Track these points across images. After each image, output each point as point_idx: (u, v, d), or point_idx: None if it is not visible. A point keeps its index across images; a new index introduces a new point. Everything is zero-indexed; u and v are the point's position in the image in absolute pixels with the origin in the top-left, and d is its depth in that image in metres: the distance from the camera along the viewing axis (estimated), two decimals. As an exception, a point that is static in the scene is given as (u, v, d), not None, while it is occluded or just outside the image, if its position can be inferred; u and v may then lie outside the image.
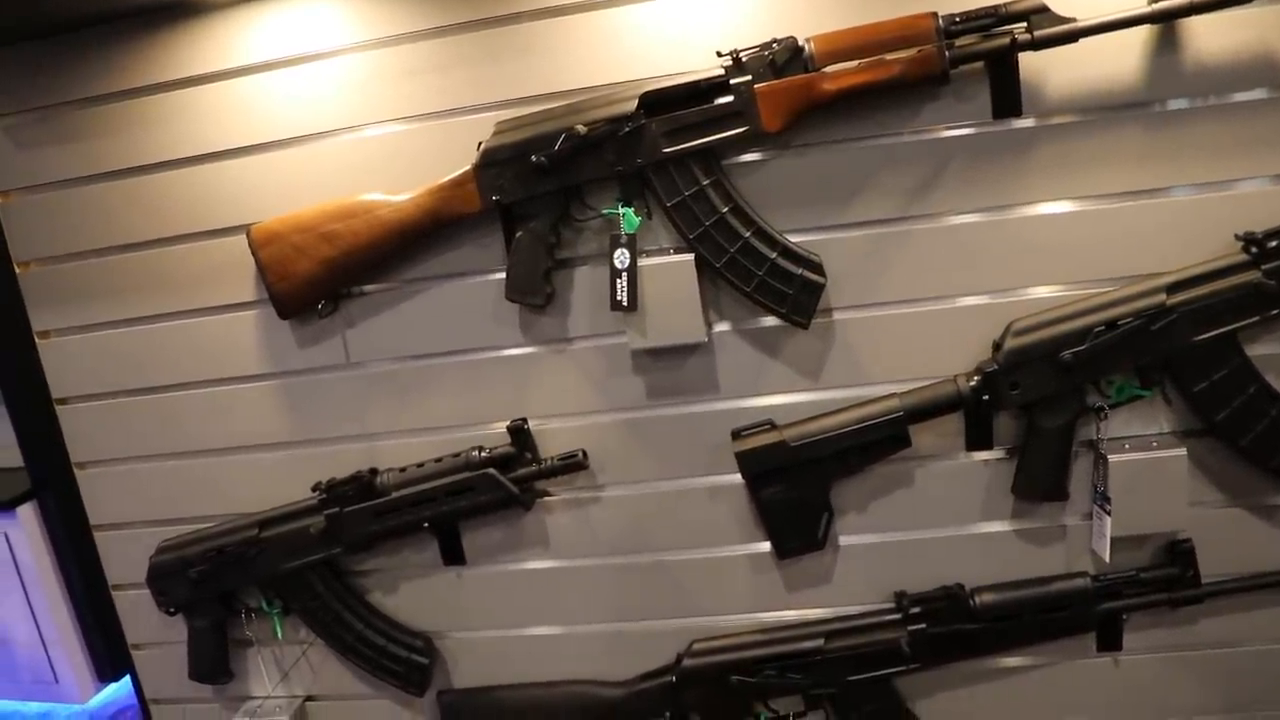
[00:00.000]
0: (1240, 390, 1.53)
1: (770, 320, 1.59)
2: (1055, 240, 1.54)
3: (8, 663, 4.41)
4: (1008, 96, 1.51)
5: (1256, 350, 1.54)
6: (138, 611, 1.97)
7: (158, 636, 1.99)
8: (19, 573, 4.22)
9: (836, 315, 1.61)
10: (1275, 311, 1.50)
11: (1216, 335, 1.52)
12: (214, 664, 1.91)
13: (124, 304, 1.82)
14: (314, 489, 1.77)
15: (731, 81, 1.49)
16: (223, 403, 1.83)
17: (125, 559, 1.94)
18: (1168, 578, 1.64)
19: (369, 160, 1.67)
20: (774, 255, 1.53)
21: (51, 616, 4.25)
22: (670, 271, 1.55)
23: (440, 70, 1.61)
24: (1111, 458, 1.56)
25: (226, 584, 1.85)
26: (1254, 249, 1.49)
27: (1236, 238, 1.50)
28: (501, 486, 1.67)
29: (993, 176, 1.54)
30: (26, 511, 4.00)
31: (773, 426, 1.61)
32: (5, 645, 4.44)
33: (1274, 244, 1.49)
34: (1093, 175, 1.52)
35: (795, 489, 1.62)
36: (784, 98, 1.48)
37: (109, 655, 2.15)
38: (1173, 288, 1.51)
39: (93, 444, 1.91)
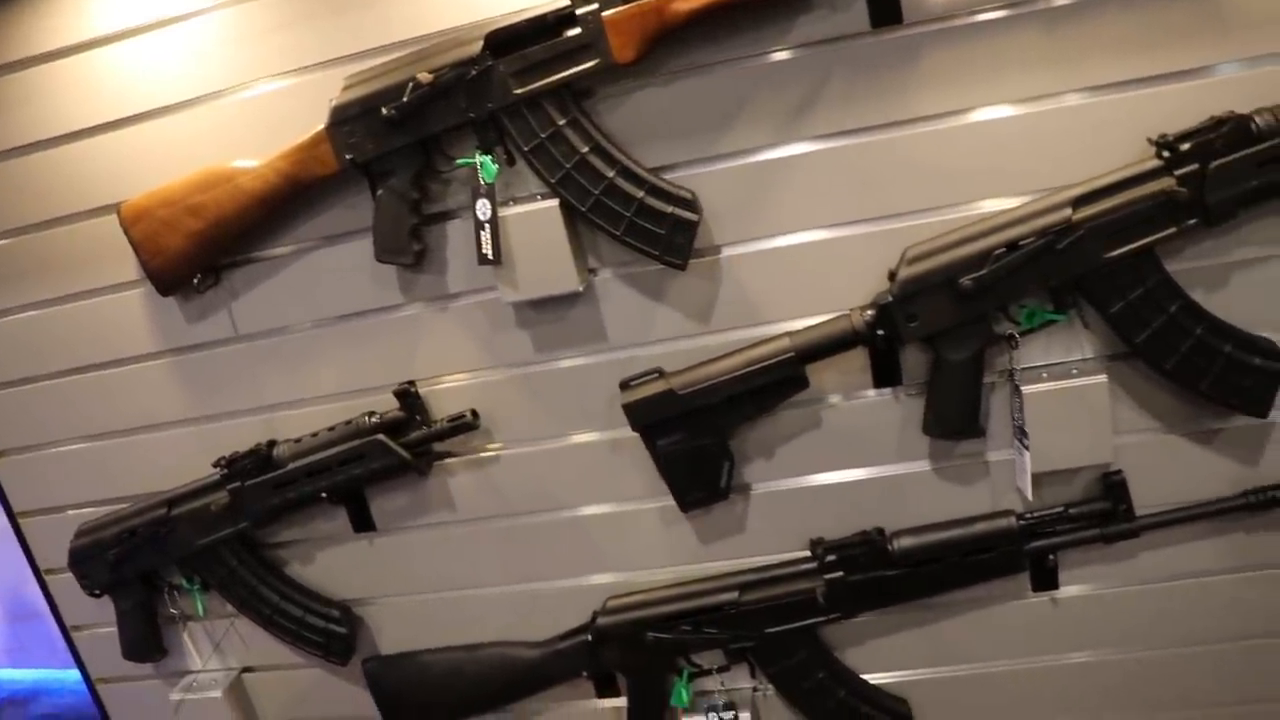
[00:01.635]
0: (1161, 310, 1.45)
1: (653, 263, 1.51)
2: (951, 158, 1.47)
3: (41, 635, 4.57)
4: (885, 2, 1.40)
5: (1180, 265, 1.45)
6: (71, 595, 1.98)
7: (94, 618, 2.00)
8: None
9: (724, 253, 1.55)
10: (1193, 221, 1.39)
11: (1130, 251, 1.42)
12: (145, 642, 1.94)
13: (10, 291, 1.83)
14: (215, 465, 1.75)
15: (578, 12, 1.42)
16: (121, 383, 1.84)
17: (51, 544, 1.96)
18: (1100, 512, 1.58)
19: (235, 126, 1.66)
20: (641, 194, 1.47)
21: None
22: (535, 220, 1.50)
23: (288, 27, 1.56)
24: (1026, 389, 1.49)
25: (144, 564, 1.87)
26: (1166, 153, 1.38)
27: (1150, 142, 1.40)
28: (392, 453, 1.65)
29: (877, 92, 1.46)
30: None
31: (661, 375, 1.56)
32: (41, 619, 4.58)
33: (1187, 146, 1.37)
34: (986, 84, 1.44)
35: (692, 438, 1.58)
36: (635, 24, 1.41)
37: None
38: (1079, 201, 1.42)
39: (4, 432, 1.91)
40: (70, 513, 1.96)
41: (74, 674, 4.55)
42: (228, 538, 1.82)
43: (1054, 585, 1.66)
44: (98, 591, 1.93)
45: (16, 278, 1.82)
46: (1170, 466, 1.57)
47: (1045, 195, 1.44)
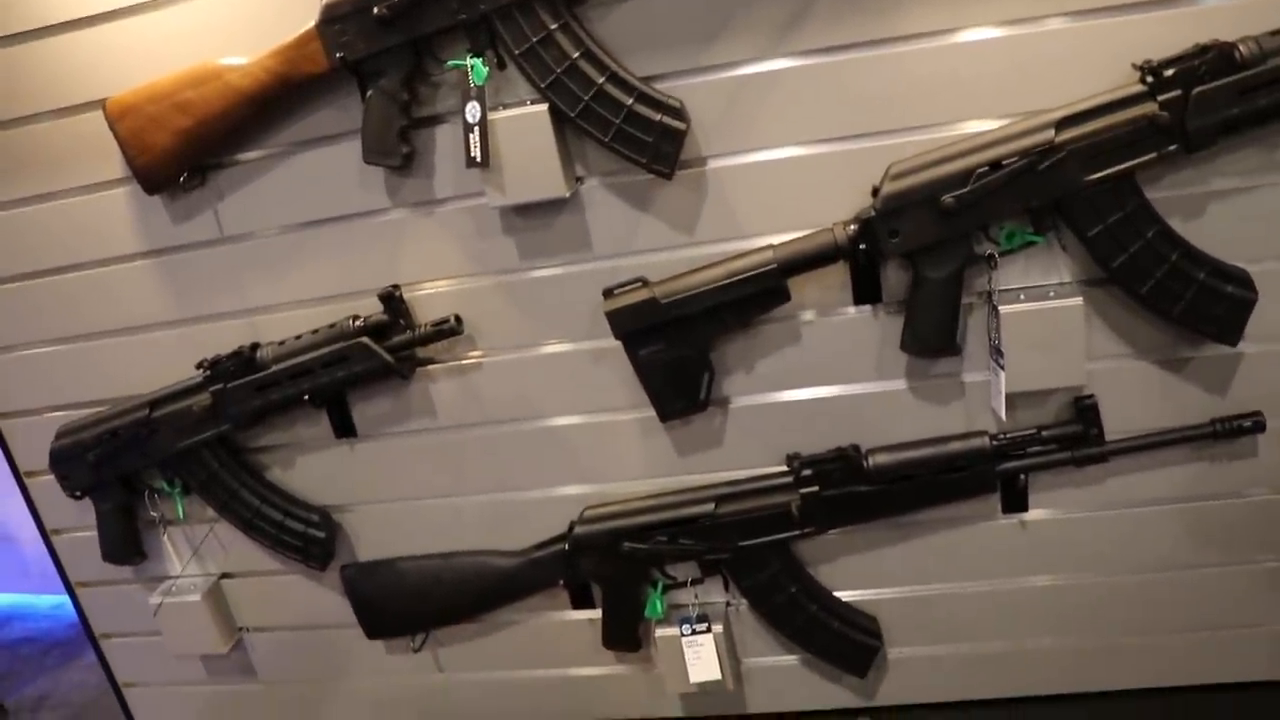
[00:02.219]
0: (1138, 234, 1.48)
1: (640, 173, 1.54)
2: (936, 77, 1.49)
3: (17, 560, 4.63)
4: (877, -81, 1.43)
5: (1159, 193, 1.49)
6: (51, 497, 2.01)
7: (74, 522, 2.03)
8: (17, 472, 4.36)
9: (710, 165, 1.57)
10: (1173, 147, 1.43)
11: (1110, 174, 1.46)
12: (124, 545, 1.97)
13: (-6, 188, 1.80)
14: (198, 366, 1.77)
15: (568, -88, 1.43)
16: (104, 284, 1.86)
17: (31, 445, 1.98)
18: (1071, 435, 1.63)
19: (225, 22, 1.66)
20: (630, 101, 1.49)
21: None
22: (524, 123, 1.52)
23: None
24: (1003, 309, 1.53)
25: (125, 465, 1.90)
26: (1150, 79, 1.41)
27: (1134, 67, 1.43)
28: (375, 356, 1.68)
29: (864, 9, 1.49)
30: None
31: (644, 284, 1.60)
32: (12, 543, 4.64)
33: (1170, 73, 1.41)
34: (973, 4, 1.46)
35: (673, 348, 1.61)
36: (629, -71, 1.42)
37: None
38: (1062, 124, 1.45)
39: (-14, 330, 1.93)
40: (51, 415, 1.97)
41: (47, 598, 4.62)
42: (209, 440, 1.85)
43: (1023, 508, 1.71)
44: (78, 493, 1.96)
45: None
46: (1141, 393, 1.62)
47: (1029, 117, 1.46)
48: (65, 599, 4.54)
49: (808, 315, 1.65)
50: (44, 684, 4.16)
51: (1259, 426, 1.58)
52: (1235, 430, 1.59)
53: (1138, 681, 1.81)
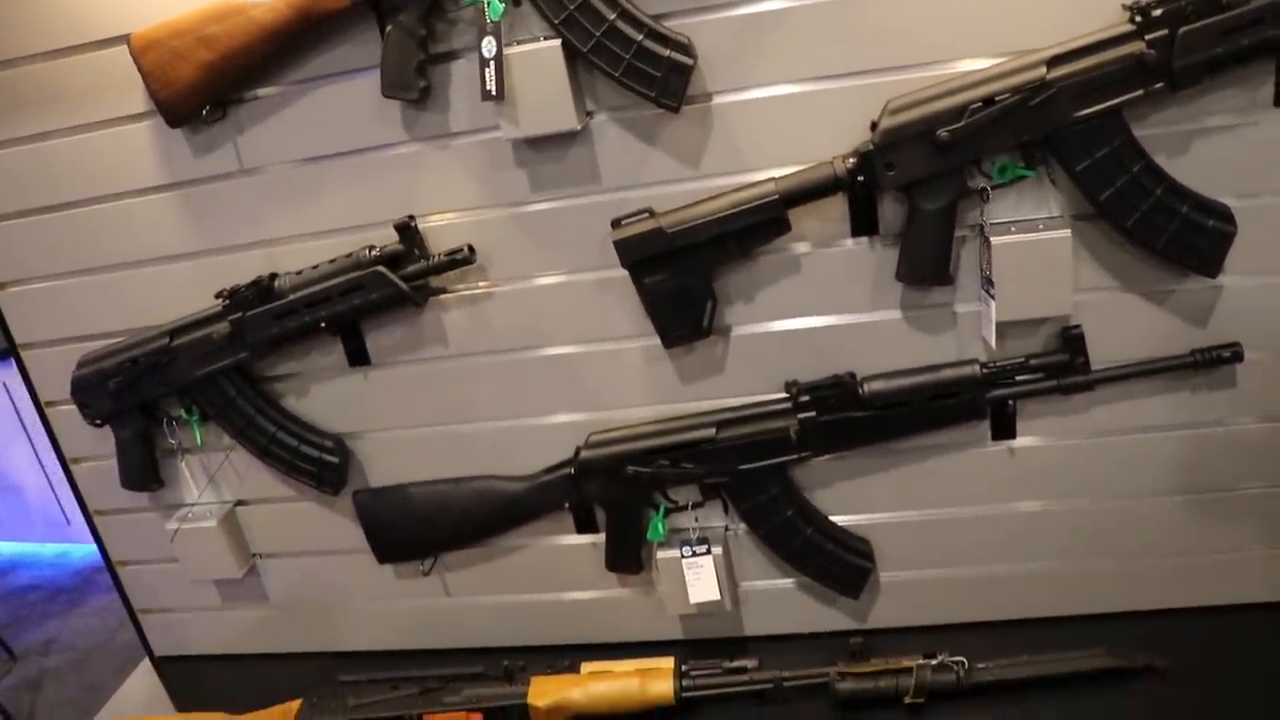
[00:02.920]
0: (1124, 169, 1.57)
1: (648, 108, 1.62)
2: (936, 15, 1.57)
3: (21, 509, 4.74)
4: None
5: (1145, 131, 1.57)
6: (71, 427, 2.09)
7: (93, 451, 2.12)
8: (21, 421, 4.49)
9: (716, 100, 1.66)
10: (1159, 85, 1.51)
11: (1099, 111, 1.54)
12: (143, 472, 2.06)
13: (18, 121, 1.91)
14: (217, 296, 1.86)
15: None
16: (127, 216, 1.93)
17: (53, 376, 2.07)
18: (1058, 364, 1.71)
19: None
20: (640, 38, 1.57)
21: (58, 460, 4.50)
22: (537, 58, 1.60)
23: None
24: (995, 240, 1.62)
25: (145, 393, 1.98)
26: (1139, 18, 1.50)
27: (1124, 7, 1.52)
28: (391, 284, 1.77)
29: (869, -51, 1.55)
30: (23, 359, 4.19)
31: (651, 214, 1.68)
32: (17, 492, 4.75)
33: (1158, 13, 1.49)
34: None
35: (677, 277, 1.70)
36: None
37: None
38: (1053, 61, 1.53)
39: (9, 263, 2.01)
40: (72, 346, 2.05)
41: (51, 547, 4.73)
42: (227, 368, 1.94)
43: (1012, 435, 1.80)
44: (99, 421, 2.05)
45: (24, 108, 1.89)
46: (1126, 324, 1.71)
47: (1021, 55, 1.55)
48: (69, 547, 4.69)
49: (807, 247, 1.73)
50: (51, 629, 4.28)
51: (1237, 357, 1.68)
52: (1214, 360, 1.68)
53: (1123, 605, 1.90)
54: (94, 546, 4.10)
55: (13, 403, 4.60)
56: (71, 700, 3.74)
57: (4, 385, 4.56)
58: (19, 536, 5.06)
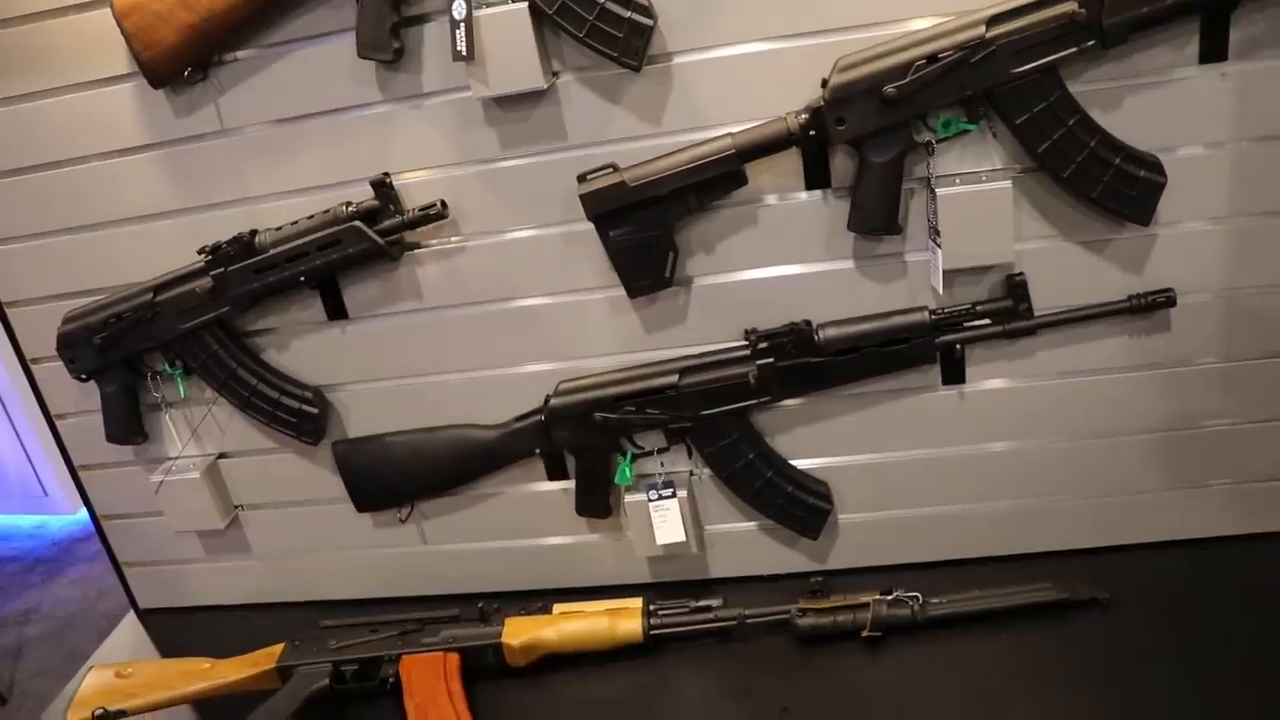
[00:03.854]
0: (1060, 123, 1.70)
1: (611, 68, 1.74)
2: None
3: (-1, 481, 4.82)
4: None
5: (1081, 87, 1.70)
6: (56, 384, 2.21)
7: (77, 406, 2.24)
8: (-1, 393, 4.58)
9: (675, 60, 1.78)
10: (1091, 43, 1.64)
11: (1036, 67, 1.67)
12: (127, 425, 2.17)
13: (4, 83, 2.00)
14: (199, 252, 1.97)
15: None
16: (111, 175, 2.03)
17: (38, 333, 2.17)
18: (1003, 310, 1.84)
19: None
20: (603, 0, 1.68)
21: (35, 431, 4.64)
22: (506, 20, 1.73)
23: None
24: (940, 191, 1.75)
25: (129, 348, 2.10)
26: (1073, -20, 1.62)
27: (1058, -30, 1.64)
28: (367, 238, 1.88)
29: (820, -88, 1.67)
30: (-1, 333, 4.30)
31: (615, 169, 1.80)
32: (-5, 465, 4.84)
33: (1091, -25, 1.62)
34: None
35: (640, 229, 1.82)
36: None
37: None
38: (992, 20, 1.66)
39: (-5, 222, 2.12)
40: (57, 303, 2.15)
41: (28, 518, 4.82)
42: (210, 322, 2.05)
43: (961, 379, 1.93)
44: (84, 376, 2.15)
45: (10, 70, 1.98)
46: (1067, 272, 1.84)
47: (963, 15, 1.67)
48: (46, 519, 4.78)
49: (764, 200, 1.86)
50: (30, 599, 4.39)
51: (1170, 301, 1.81)
52: (1150, 305, 1.82)
53: (1070, 542, 2.04)
54: (72, 517, 4.24)
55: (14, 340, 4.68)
56: (53, 668, 3.85)
57: (-22, 360, 4.64)
58: (-4, 509, 5.16)
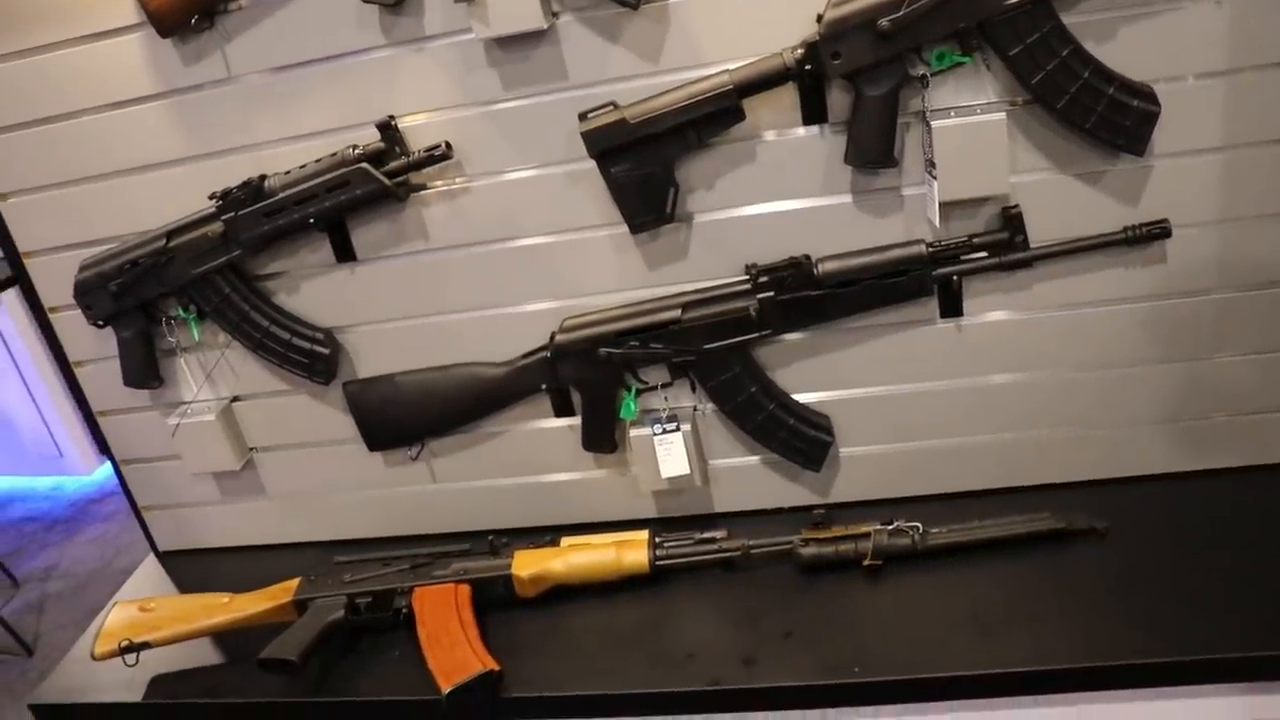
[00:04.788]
0: (1053, 54, 1.74)
1: (610, 7, 1.80)
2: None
3: (14, 443, 4.96)
4: None
5: (1072, 18, 1.74)
6: (74, 331, 2.28)
7: (95, 353, 2.31)
8: (11, 355, 4.69)
9: (673, -2, 1.83)
10: (1083, -27, 1.68)
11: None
12: (144, 370, 2.25)
13: (16, 36, 2.07)
14: (210, 197, 2.04)
15: None
16: (122, 125, 2.10)
17: (55, 282, 2.25)
18: (999, 242, 1.90)
19: None
20: (599, -61, 1.74)
21: (49, 395, 4.76)
22: (504, -40, 1.77)
23: None
24: (935, 123, 1.80)
25: (144, 293, 2.17)
26: (1060, -92, 1.67)
27: (1048, -105, 1.68)
28: (374, 179, 1.95)
29: None
30: (10, 298, 4.43)
31: (615, 107, 1.86)
32: (9, 426, 4.97)
33: (1080, -99, 1.66)
34: None
35: (641, 166, 1.88)
36: None
37: (107, 429, 2.50)
38: (985, -46, 1.70)
39: (12, 174, 2.19)
40: (72, 252, 2.23)
41: (46, 479, 4.94)
42: (222, 266, 2.12)
43: (959, 312, 1.99)
44: (101, 322, 2.23)
45: (22, 23, 2.05)
46: (1062, 204, 1.89)
47: (958, -54, 1.72)
48: (62, 480, 4.90)
49: (762, 136, 1.91)
50: (49, 557, 4.51)
51: (1165, 232, 1.86)
52: (1145, 236, 1.87)
53: (1068, 475, 2.10)
54: (87, 478, 4.36)
55: (2, 338, 4.79)
56: (74, 621, 3.97)
57: (-6, 322, 4.76)
58: (13, 470, 5.27)
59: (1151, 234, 1.87)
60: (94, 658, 2.08)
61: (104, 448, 2.43)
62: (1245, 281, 1.92)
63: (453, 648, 1.94)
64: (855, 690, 1.79)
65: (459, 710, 1.85)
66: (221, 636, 2.16)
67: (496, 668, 1.88)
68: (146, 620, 2.10)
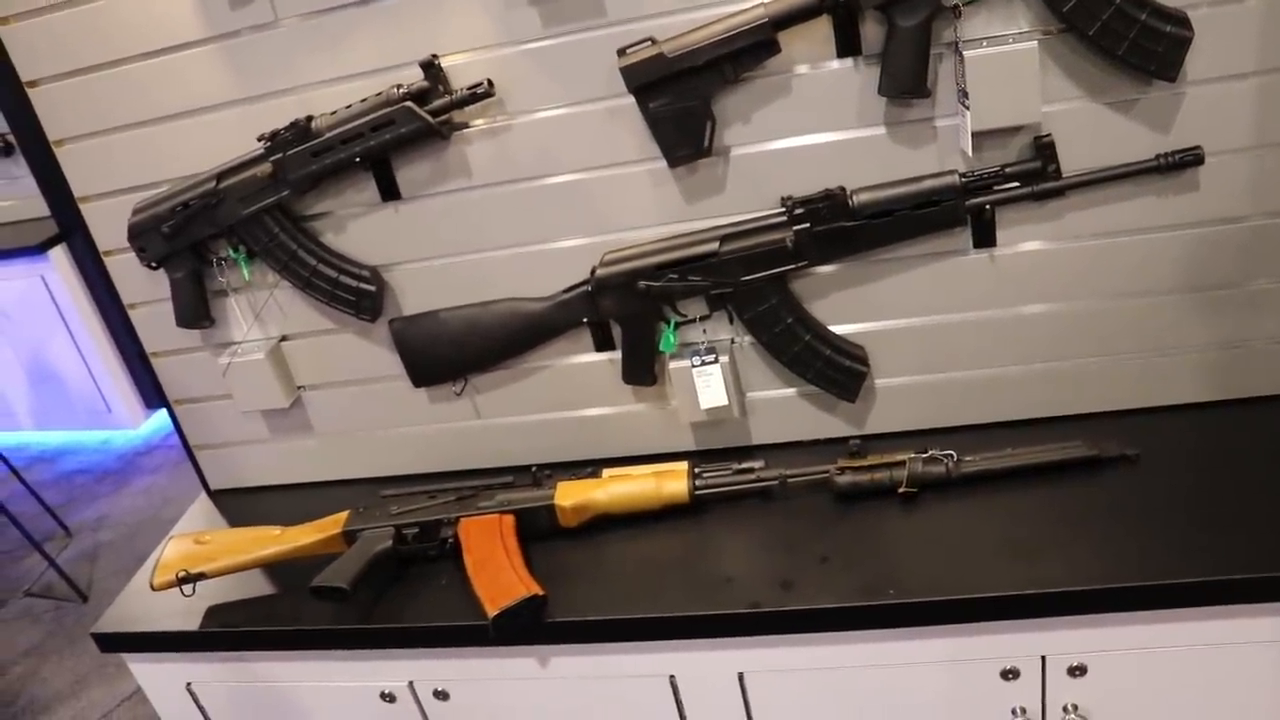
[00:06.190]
0: (1086, -21, 1.77)
1: (648, -54, 1.85)
2: None
3: (63, 399, 5.10)
4: None
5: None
6: (128, 274, 2.37)
7: (147, 295, 2.40)
8: (60, 313, 4.82)
9: (709, -66, 1.87)
10: (1116, -103, 1.71)
11: (1061, -75, 1.74)
12: (195, 310, 2.34)
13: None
14: (259, 139, 2.11)
15: None
16: (171, 70, 2.17)
17: (109, 227, 2.33)
18: (1031, 171, 1.93)
19: None
20: (635, -124, 1.79)
21: (97, 351, 4.89)
22: (543, -101, 1.82)
23: None
24: (968, 53, 1.84)
25: (195, 234, 2.25)
26: None
27: None
28: (418, 118, 2.01)
29: None
30: (58, 254, 4.55)
31: (653, 42, 1.91)
32: (58, 382, 5.11)
33: None
34: None
35: (679, 100, 1.94)
36: None
37: (154, 382, 2.59)
38: (1018, -120, 1.73)
39: (65, 121, 2.27)
40: (125, 197, 2.31)
41: (94, 434, 5.08)
42: (270, 206, 2.20)
43: (992, 243, 2.03)
44: (154, 264, 2.31)
45: (69, -27, 2.12)
46: (1095, 133, 1.92)
47: (986, -124, 1.75)
48: (110, 434, 5.03)
49: (796, 70, 1.96)
50: (100, 507, 4.65)
51: (1198, 160, 1.89)
52: (1178, 164, 1.90)
53: (1102, 404, 2.15)
54: (135, 432, 4.50)
55: (51, 296, 4.92)
56: (125, 568, 4.10)
57: (42, 279, 4.86)
58: (63, 425, 5.42)
59: (1184, 161, 1.90)
60: (153, 588, 2.17)
61: (150, 401, 2.51)
62: (1279, 208, 1.93)
63: (498, 574, 2.01)
64: (891, 612, 1.84)
65: (504, 633, 1.92)
66: (273, 568, 2.25)
67: (541, 592, 1.95)
68: (202, 552, 2.19)
